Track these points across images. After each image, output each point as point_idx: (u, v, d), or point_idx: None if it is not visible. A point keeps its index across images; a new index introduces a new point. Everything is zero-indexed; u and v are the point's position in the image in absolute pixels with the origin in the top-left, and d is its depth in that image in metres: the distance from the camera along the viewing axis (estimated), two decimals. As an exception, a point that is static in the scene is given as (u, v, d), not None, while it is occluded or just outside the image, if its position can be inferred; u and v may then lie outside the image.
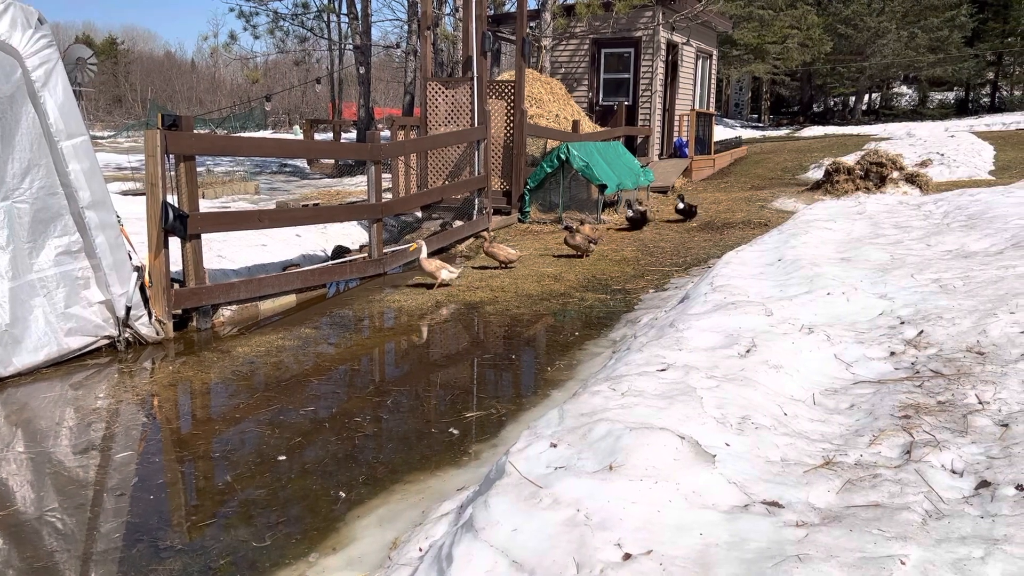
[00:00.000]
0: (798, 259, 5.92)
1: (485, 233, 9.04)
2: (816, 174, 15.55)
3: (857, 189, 12.74)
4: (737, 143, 22.48)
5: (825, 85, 41.98)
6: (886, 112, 42.55)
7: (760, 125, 38.48)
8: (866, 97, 43.33)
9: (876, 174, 12.88)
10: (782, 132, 32.60)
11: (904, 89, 47.51)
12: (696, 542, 2.20)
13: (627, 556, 2.13)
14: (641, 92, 17.66)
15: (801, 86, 42.70)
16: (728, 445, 2.78)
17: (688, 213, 11.69)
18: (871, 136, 23.46)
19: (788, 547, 2.12)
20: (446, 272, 7.53)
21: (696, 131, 17.71)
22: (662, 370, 3.63)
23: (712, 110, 21.52)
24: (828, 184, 13.24)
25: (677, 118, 19.05)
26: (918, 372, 3.50)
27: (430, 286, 7.75)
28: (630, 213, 11.03)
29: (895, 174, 12.87)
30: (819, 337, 4.06)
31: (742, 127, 34.70)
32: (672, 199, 14.21)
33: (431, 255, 8.67)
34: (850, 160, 13.83)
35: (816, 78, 41.03)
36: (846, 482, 2.51)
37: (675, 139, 18.93)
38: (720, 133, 24.05)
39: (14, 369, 5.08)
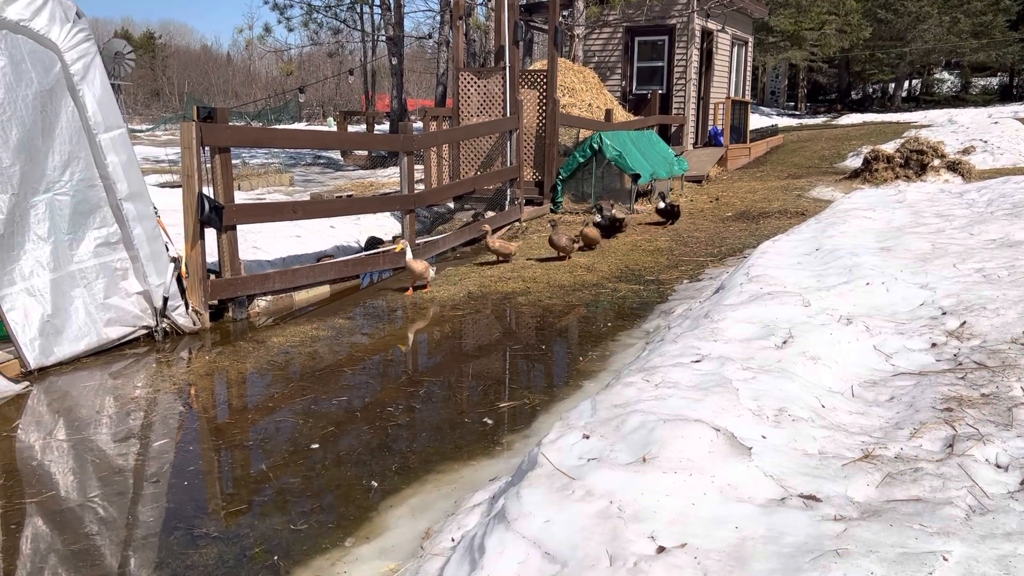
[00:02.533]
0: (836, 248, 5.82)
1: (486, 226, 8.73)
2: (854, 162, 15.26)
3: (897, 177, 12.48)
4: (773, 131, 22.16)
5: (864, 72, 41.19)
6: (927, 99, 41.65)
7: (797, 113, 37.91)
8: (906, 84, 42.47)
9: (916, 162, 12.61)
10: (819, 120, 32.07)
11: (945, 75, 46.43)
12: (731, 536, 2.17)
13: (661, 549, 2.11)
14: (675, 80, 17.47)
15: (839, 73, 41.97)
16: (764, 438, 2.74)
17: (670, 214, 10.61)
18: (911, 123, 22.98)
19: (826, 542, 2.08)
20: (432, 272, 7.40)
21: (731, 119, 17.48)
22: (697, 361, 3.58)
23: (748, 98, 21.24)
24: (867, 172, 12.99)
25: (712, 106, 18.83)
26: (961, 364, 3.41)
27: (463, 276, 7.75)
28: (661, 205, 10.57)
29: (936, 162, 12.59)
30: (858, 328, 3.98)
31: (778, 115, 34.20)
32: (707, 188, 14.06)
33: (464, 244, 8.67)
34: (889, 148, 13.56)
35: (854, 65, 40.30)
36: (886, 476, 2.46)
37: (710, 128, 18.72)
38: (756, 121, 23.72)
39: (55, 358, 5.18)
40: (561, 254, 8.48)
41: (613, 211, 9.72)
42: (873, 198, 9.12)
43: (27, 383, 4.89)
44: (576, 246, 8.66)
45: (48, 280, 5.22)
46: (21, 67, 4.97)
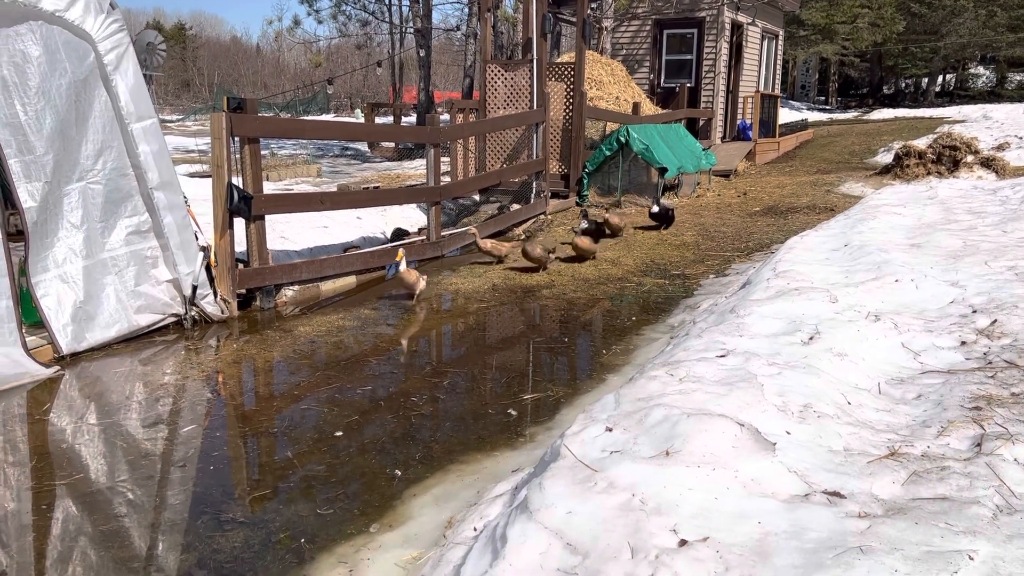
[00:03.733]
0: (865, 245, 5.75)
1: (473, 230, 8.39)
2: (885, 158, 15.07)
3: (928, 174, 12.30)
4: (803, 126, 21.92)
5: (896, 66, 40.55)
6: (961, 94, 40.93)
7: (827, 107, 37.45)
8: (940, 78, 41.79)
9: (949, 158, 12.42)
10: (850, 115, 31.66)
11: (980, 70, 45.58)
12: (754, 530, 2.16)
13: (683, 542, 2.11)
14: (704, 74, 17.33)
15: (871, 67, 41.38)
16: (789, 433, 2.72)
17: (664, 218, 9.85)
18: (944, 118, 22.62)
19: (850, 538, 2.07)
20: (422, 283, 6.88)
21: (760, 113, 17.31)
22: (722, 356, 3.57)
23: (777, 92, 21.01)
24: (898, 168, 12.82)
25: (741, 100, 18.66)
26: (991, 362, 3.37)
27: (487, 268, 7.76)
28: (655, 209, 9.77)
29: (969, 158, 12.39)
30: (886, 325, 3.94)
31: (808, 109, 33.79)
32: (735, 182, 13.95)
33: (487, 236, 8.66)
34: (921, 143, 13.36)
35: (887, 59, 39.69)
36: (912, 474, 2.44)
37: (739, 121, 18.55)
38: (785, 116, 23.46)
39: (87, 344, 5.27)
40: (534, 265, 7.78)
41: (609, 214, 9.29)
42: (904, 194, 9.00)
43: (59, 368, 4.98)
44: (553, 256, 7.93)
45: (81, 267, 5.31)
46: (56, 57, 5.05)
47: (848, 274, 5.04)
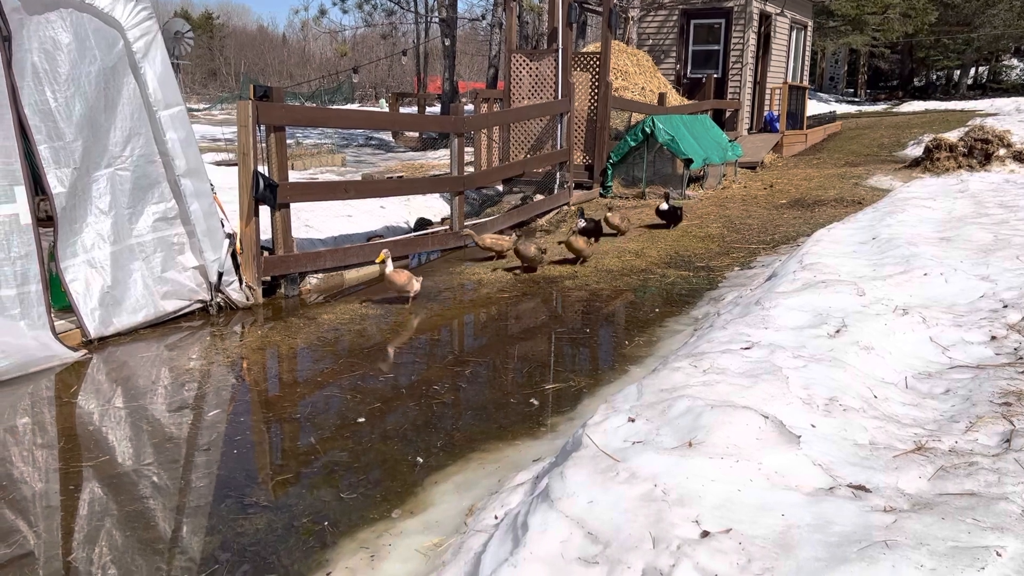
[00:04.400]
0: (894, 238, 5.67)
1: (468, 231, 7.97)
2: (915, 151, 14.84)
3: (959, 167, 12.11)
4: (831, 118, 21.64)
5: (927, 58, 39.90)
6: (994, 86, 40.19)
7: (856, 100, 36.94)
8: (972, 71, 41.07)
9: (981, 151, 12.21)
10: (879, 107, 31.21)
11: (1015, 62, 44.71)
12: (777, 523, 2.14)
13: (705, 533, 2.10)
14: (731, 64, 17.16)
15: (901, 59, 40.75)
16: (814, 426, 2.70)
17: (672, 216, 9.36)
18: (976, 111, 22.24)
19: (875, 532, 2.04)
20: (415, 284, 6.29)
21: (788, 105, 17.11)
22: (746, 348, 3.54)
23: (805, 83, 20.76)
24: (928, 161, 12.63)
25: (768, 91, 18.46)
26: (1021, 358, 3.31)
27: (509, 260, 7.75)
28: (664, 206, 9.26)
29: (1002, 151, 12.17)
30: (914, 319, 3.89)
31: (836, 102, 33.37)
32: (761, 174, 13.81)
33: (499, 232, 8.61)
34: (952, 136, 13.14)
35: (918, 51, 39.07)
36: (939, 469, 2.40)
37: (766, 113, 18.36)
38: (813, 108, 23.18)
39: (114, 329, 5.33)
40: (527, 264, 7.43)
41: (610, 213, 8.84)
42: (934, 187, 8.87)
43: (86, 351, 5.04)
44: (545, 257, 7.52)
45: (108, 252, 5.37)
46: (85, 44, 5.10)
47: (876, 267, 4.97)
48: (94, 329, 5.21)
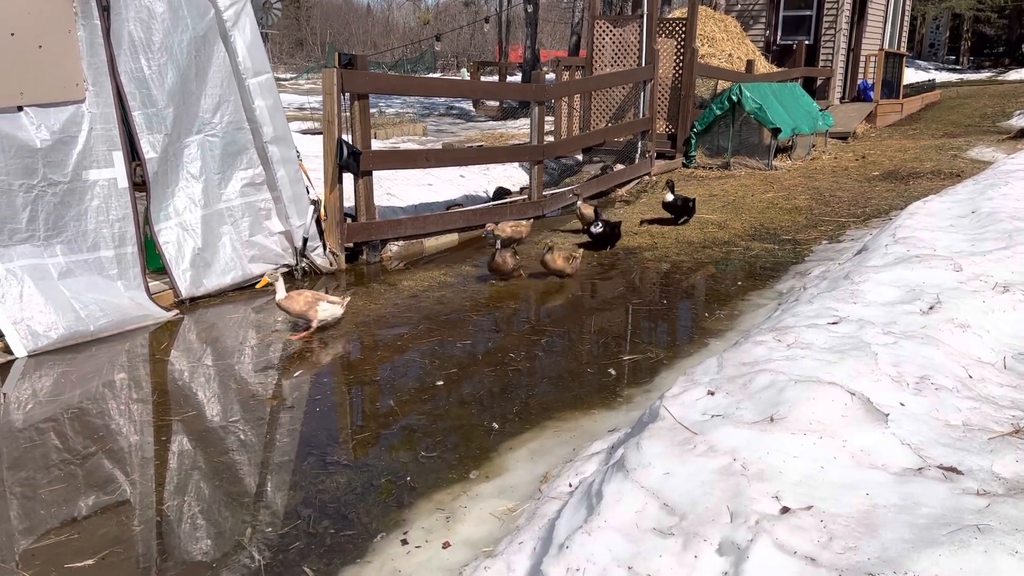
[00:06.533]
0: (995, 212, 5.38)
1: (490, 226, 6.77)
2: (1021, 122, 14.03)
3: (1070, 138, 11.38)
4: (930, 87, 20.61)
5: (1038, 22, 37.48)
6: (1112, 52, 37.53)
7: (957, 67, 35.08)
8: (1088, 35, 38.38)
9: (1095, 121, 11.44)
10: (983, 75, 29.57)
11: None
12: (861, 502, 2.07)
13: (785, 509, 2.05)
14: (824, 30, 16.49)
15: (1009, 24, 38.38)
16: (903, 405, 2.59)
17: (681, 210, 7.90)
18: (1091, 79, 20.82)
19: (966, 516, 1.96)
20: (325, 308, 4.80)
21: (884, 73, 16.36)
22: (833, 323, 3.42)
23: (903, 50, 19.80)
24: (1035, 132, 11.92)
25: (863, 59, 17.68)
26: None
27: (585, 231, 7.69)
28: (669, 197, 7.82)
29: (1119, 122, 11.37)
30: (1015, 296, 3.68)
31: (936, 69, 31.75)
32: (853, 145, 13.29)
33: (587, 200, 8.39)
34: (1064, 105, 12.35)
35: (1028, 14, 36.73)
36: (1039, 454, 2.28)
37: (859, 81, 17.61)
38: (911, 76, 22.10)
39: (204, 290, 5.52)
40: (502, 275, 6.10)
41: (607, 217, 7.46)
42: (1041, 160, 8.35)
43: (178, 311, 5.25)
44: (522, 272, 6.17)
45: (199, 216, 5.55)
46: (179, 13, 5.24)
47: (975, 242, 4.73)
48: (185, 289, 5.41)
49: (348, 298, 5.02)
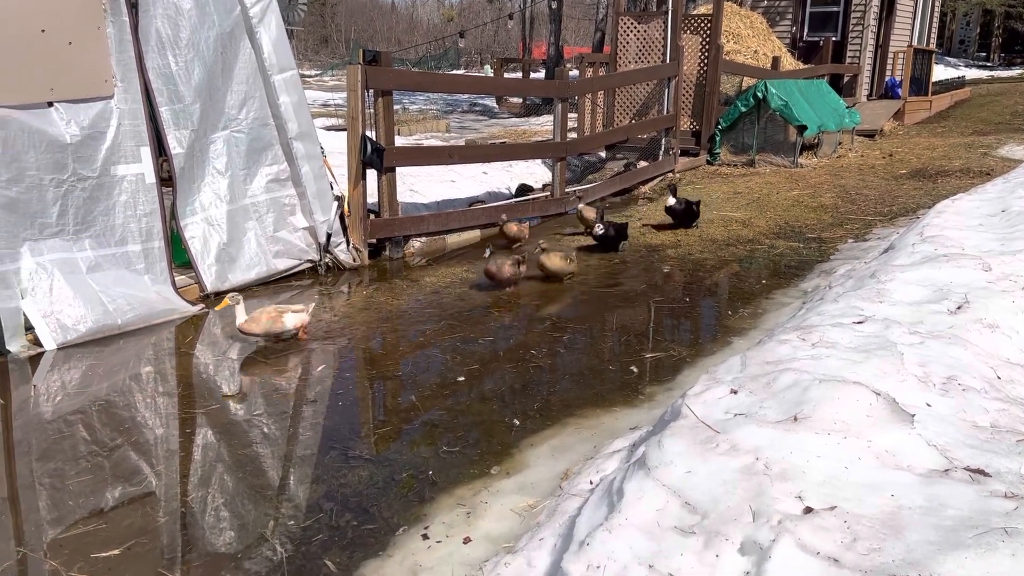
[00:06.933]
0: (1026, 211, 5.29)
1: (504, 215, 6.94)
2: (1053, 119, 13.79)
3: (1104, 136, 11.17)
4: (959, 84, 20.31)
5: (1072, 18, 36.77)
6: None
7: (988, 64, 34.52)
8: (1124, 31, 37.60)
9: None
10: (1014, 72, 29.08)
11: None
12: (886, 503, 2.05)
13: (808, 510, 2.03)
14: (851, 26, 16.31)
15: (1042, 20, 37.70)
16: (929, 406, 2.56)
17: (683, 215, 7.45)
18: None
19: (994, 518, 1.93)
20: (291, 317, 4.61)
21: (912, 70, 16.15)
22: (859, 322, 3.38)
23: (932, 47, 19.53)
24: (1068, 130, 11.71)
25: (891, 55, 17.46)
26: None
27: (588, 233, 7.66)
28: (671, 201, 7.43)
29: None
30: (1046, 297, 3.62)
31: (966, 66, 31.26)
32: (880, 143, 13.13)
33: (599, 200, 8.33)
34: (1098, 103, 12.13)
35: (1062, 10, 36.04)
36: (1069, 457, 2.24)
37: (887, 78, 17.39)
38: (940, 73, 21.78)
39: (229, 284, 5.57)
40: (499, 283, 5.76)
41: (608, 219, 7.09)
42: (1074, 158, 8.21)
43: (203, 306, 5.30)
44: (521, 272, 5.80)
45: (224, 211, 5.60)
46: (205, 10, 5.28)
47: (1005, 242, 4.66)
48: (211, 284, 5.46)
49: (312, 304, 4.90)
